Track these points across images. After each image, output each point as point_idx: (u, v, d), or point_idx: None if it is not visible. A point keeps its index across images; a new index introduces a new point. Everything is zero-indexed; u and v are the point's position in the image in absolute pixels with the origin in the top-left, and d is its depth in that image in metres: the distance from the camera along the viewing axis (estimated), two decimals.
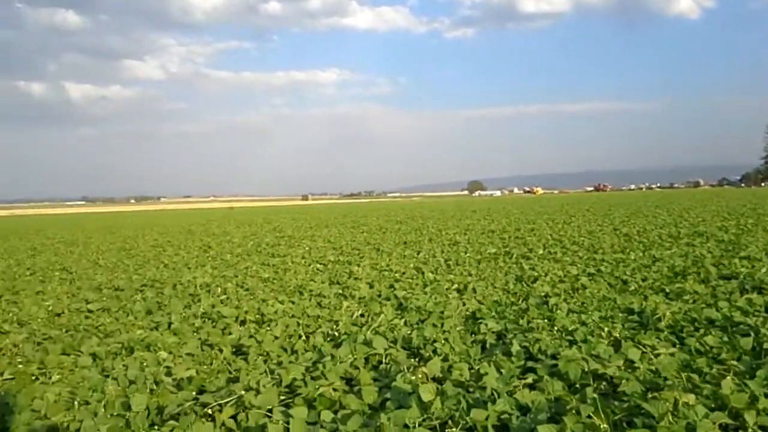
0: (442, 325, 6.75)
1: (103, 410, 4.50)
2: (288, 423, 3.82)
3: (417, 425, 3.77)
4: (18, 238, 30.90)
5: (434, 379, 4.78)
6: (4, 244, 25.92)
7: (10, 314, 8.90)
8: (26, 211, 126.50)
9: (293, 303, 8.80)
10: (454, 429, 3.73)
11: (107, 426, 4.03)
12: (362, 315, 7.71)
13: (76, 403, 4.65)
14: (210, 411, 4.26)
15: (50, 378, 5.67)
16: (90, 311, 9.06)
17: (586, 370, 4.71)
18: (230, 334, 7.07)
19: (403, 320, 7.19)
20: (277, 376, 4.99)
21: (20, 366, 6.04)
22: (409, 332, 6.47)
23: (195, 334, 7.15)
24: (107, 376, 5.51)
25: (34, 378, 5.71)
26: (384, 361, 5.49)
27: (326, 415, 4.08)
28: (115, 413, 4.41)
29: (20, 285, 12.36)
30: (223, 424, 4.13)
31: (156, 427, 4.04)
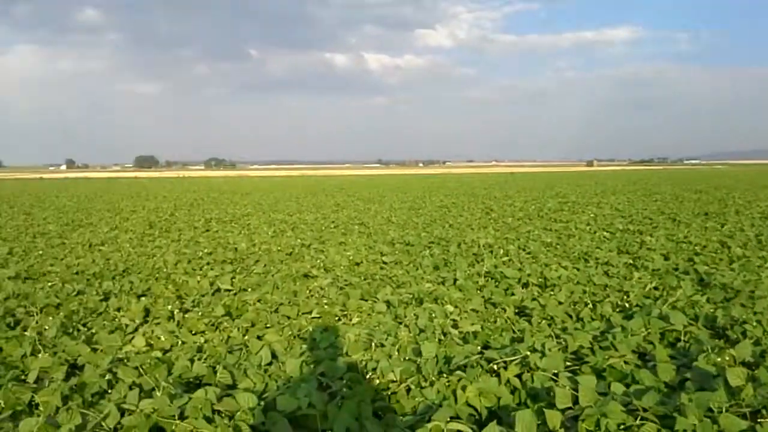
0: (753, 305, 5.97)
1: (396, 353, 4.85)
2: (576, 389, 3.68)
3: (724, 410, 3.35)
4: (324, 194, 34.91)
5: (744, 364, 4.22)
6: (312, 199, 29.51)
7: (318, 261, 10.07)
8: (328, 171, 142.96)
9: (577, 269, 8.51)
10: None
11: (401, 368, 4.31)
12: (656, 288, 7.17)
13: (373, 344, 5.08)
14: (495, 367, 4.30)
15: (350, 320, 6.31)
16: (384, 263, 9.84)
17: None
18: (513, 294, 7.10)
19: (705, 297, 6.51)
20: (563, 342, 4.86)
21: (326, 307, 6.80)
22: (712, 310, 5.83)
23: (479, 291, 7.33)
24: (400, 323, 5.94)
25: (336, 318, 6.40)
26: (683, 338, 5.02)
27: (617, 387, 3.84)
28: (407, 357, 4.71)
29: (326, 236, 13.93)
30: (508, 381, 4.15)
31: (444, 375, 4.21)
